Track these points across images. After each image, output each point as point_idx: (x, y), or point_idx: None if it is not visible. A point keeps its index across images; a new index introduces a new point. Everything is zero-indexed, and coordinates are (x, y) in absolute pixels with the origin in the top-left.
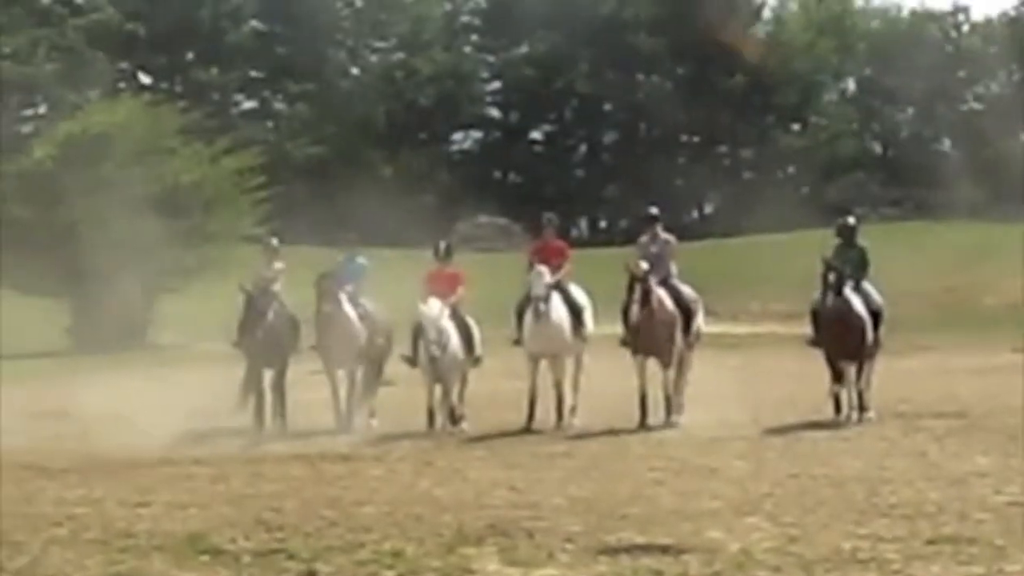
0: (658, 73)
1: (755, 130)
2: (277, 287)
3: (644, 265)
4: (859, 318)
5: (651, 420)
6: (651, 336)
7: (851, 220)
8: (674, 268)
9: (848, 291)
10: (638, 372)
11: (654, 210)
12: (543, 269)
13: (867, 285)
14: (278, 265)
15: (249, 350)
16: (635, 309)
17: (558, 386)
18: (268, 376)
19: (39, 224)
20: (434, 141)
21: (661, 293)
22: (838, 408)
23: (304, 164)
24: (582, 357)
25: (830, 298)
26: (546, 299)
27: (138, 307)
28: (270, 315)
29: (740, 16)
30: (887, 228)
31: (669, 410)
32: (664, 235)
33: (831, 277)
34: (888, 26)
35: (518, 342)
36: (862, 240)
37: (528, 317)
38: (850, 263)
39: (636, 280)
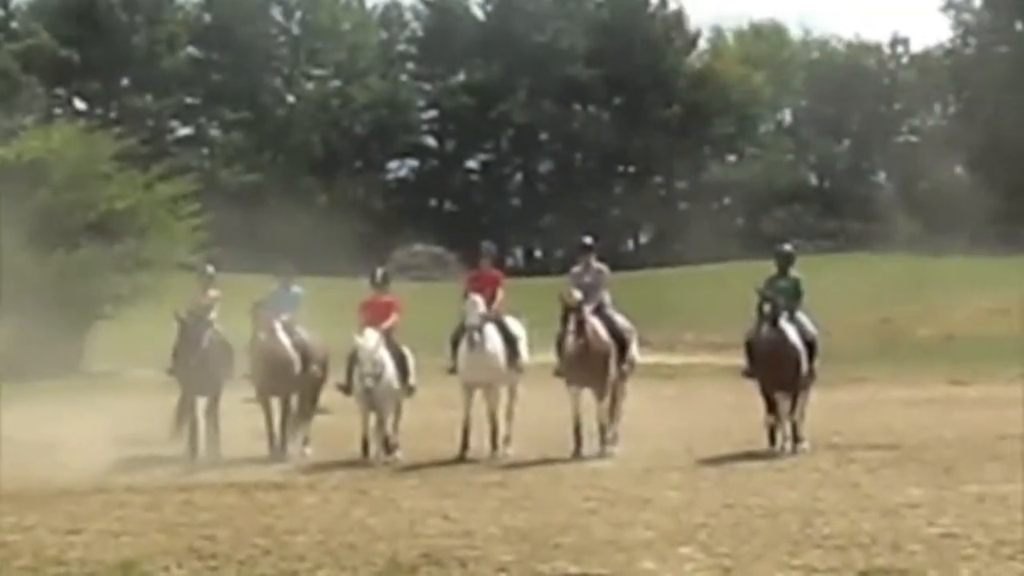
0: (594, 103)
1: (691, 160)
2: (213, 315)
3: (577, 295)
4: (794, 349)
5: (585, 450)
6: (585, 366)
7: (787, 248)
8: (607, 297)
9: (783, 322)
10: (572, 402)
11: (588, 239)
12: (477, 299)
13: (801, 316)
14: (213, 293)
15: (183, 378)
16: (570, 339)
17: (492, 416)
18: (202, 404)
19: None
20: (370, 169)
21: (595, 323)
22: (772, 439)
23: (239, 191)
24: (516, 387)
25: (765, 329)
26: (480, 328)
27: (72, 334)
28: (204, 343)
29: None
30: (823, 259)
31: (603, 440)
32: (597, 264)
33: (766, 308)
34: (825, 57)
35: (453, 371)
36: (796, 271)
37: (463, 346)
38: (784, 293)
39: (570, 310)
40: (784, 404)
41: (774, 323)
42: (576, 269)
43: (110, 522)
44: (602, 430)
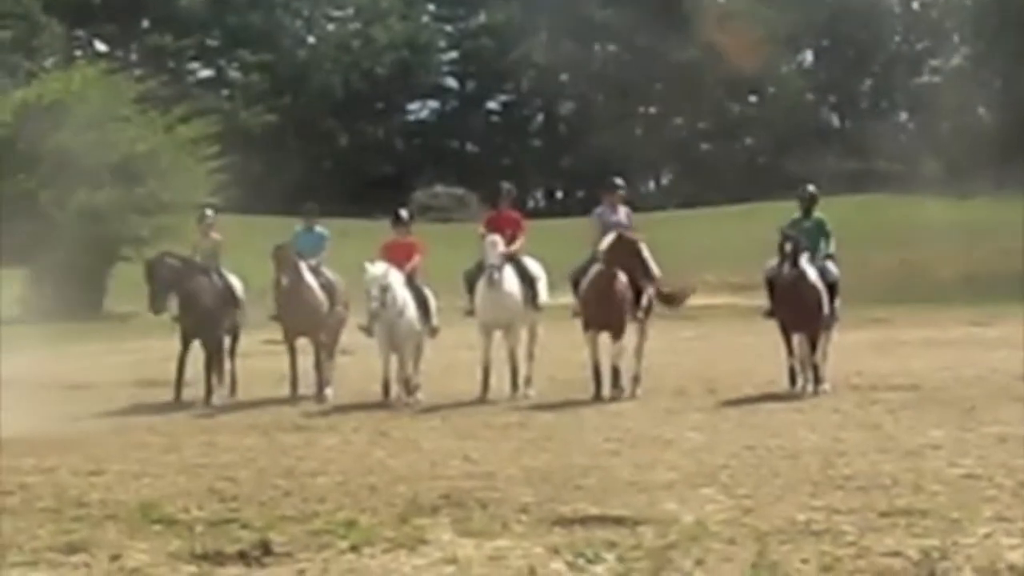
0: (614, 43)
1: (711, 101)
2: (219, 259)
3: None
4: (814, 289)
5: (607, 392)
6: (606, 308)
7: (811, 189)
8: None
9: (804, 262)
10: (591, 344)
11: (619, 180)
12: (496, 238)
13: (825, 256)
14: (215, 236)
15: (180, 322)
16: (585, 282)
17: (512, 356)
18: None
19: None
20: (391, 111)
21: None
22: (793, 380)
23: (260, 134)
24: (536, 328)
25: (786, 268)
26: (499, 268)
27: (93, 276)
28: (200, 286)
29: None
30: (842, 200)
31: (616, 382)
32: (623, 207)
33: (788, 247)
34: None
35: (470, 312)
36: (818, 212)
37: (480, 287)
38: (809, 234)
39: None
40: (805, 345)
41: (795, 263)
42: (600, 209)
43: (130, 463)
44: (615, 372)
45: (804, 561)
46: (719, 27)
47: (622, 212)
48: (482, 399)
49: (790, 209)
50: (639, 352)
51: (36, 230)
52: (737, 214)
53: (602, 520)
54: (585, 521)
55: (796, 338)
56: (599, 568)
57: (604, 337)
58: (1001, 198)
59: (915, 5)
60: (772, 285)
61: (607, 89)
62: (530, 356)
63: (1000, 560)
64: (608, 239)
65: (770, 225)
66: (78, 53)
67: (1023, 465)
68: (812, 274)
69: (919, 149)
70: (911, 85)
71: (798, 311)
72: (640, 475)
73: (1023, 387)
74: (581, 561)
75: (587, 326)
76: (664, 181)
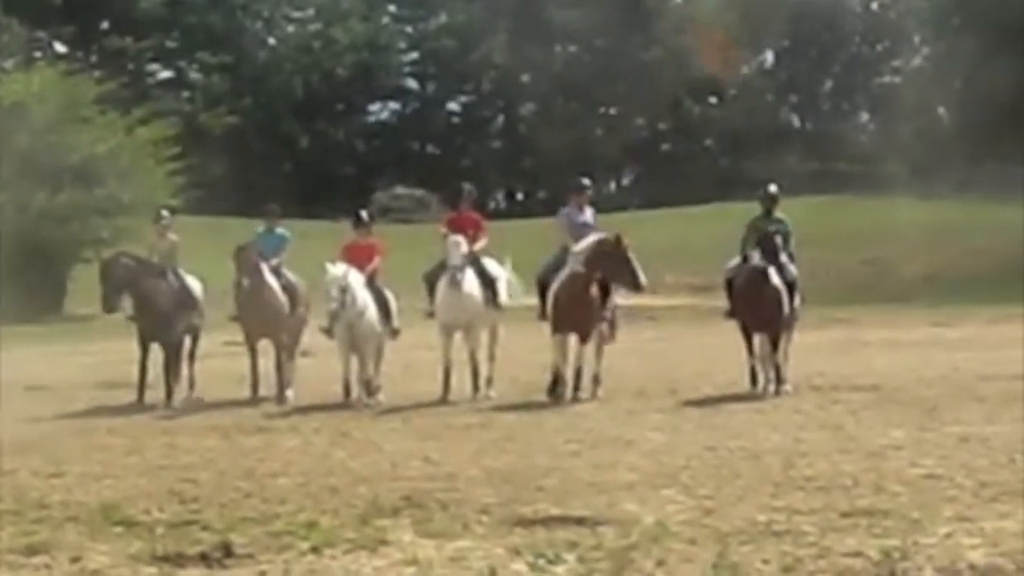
0: (575, 45)
1: (672, 102)
2: (176, 259)
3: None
4: (775, 289)
5: (572, 393)
6: (578, 311)
7: (773, 189)
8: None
9: (782, 259)
10: (560, 346)
11: (586, 180)
12: (459, 239)
13: (784, 257)
14: (172, 237)
15: (137, 323)
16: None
17: (472, 357)
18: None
19: None
20: (351, 112)
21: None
22: (755, 381)
23: (220, 135)
24: (497, 328)
25: (752, 262)
26: (461, 269)
27: (53, 278)
28: (159, 288)
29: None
30: (804, 201)
31: (577, 384)
32: (588, 207)
33: (775, 241)
34: None
35: (431, 314)
36: (779, 212)
37: (441, 288)
38: (779, 236)
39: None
40: (766, 345)
41: (775, 258)
42: (566, 210)
43: (91, 465)
44: (578, 374)
45: (765, 562)
46: (686, 30)
47: (588, 212)
48: (443, 400)
49: (751, 210)
50: (599, 353)
51: None
52: (698, 215)
53: (563, 521)
54: (546, 522)
55: (757, 338)
56: (560, 569)
57: (569, 340)
58: (963, 199)
59: (875, 6)
60: (730, 284)
61: (568, 90)
62: (491, 357)
63: (961, 560)
64: (588, 242)
65: (731, 226)
66: (37, 54)
67: (984, 465)
68: (773, 274)
69: (880, 150)
70: (872, 86)
71: (759, 311)
72: (601, 476)
73: (985, 387)
74: (542, 562)
75: (556, 328)
76: (625, 181)
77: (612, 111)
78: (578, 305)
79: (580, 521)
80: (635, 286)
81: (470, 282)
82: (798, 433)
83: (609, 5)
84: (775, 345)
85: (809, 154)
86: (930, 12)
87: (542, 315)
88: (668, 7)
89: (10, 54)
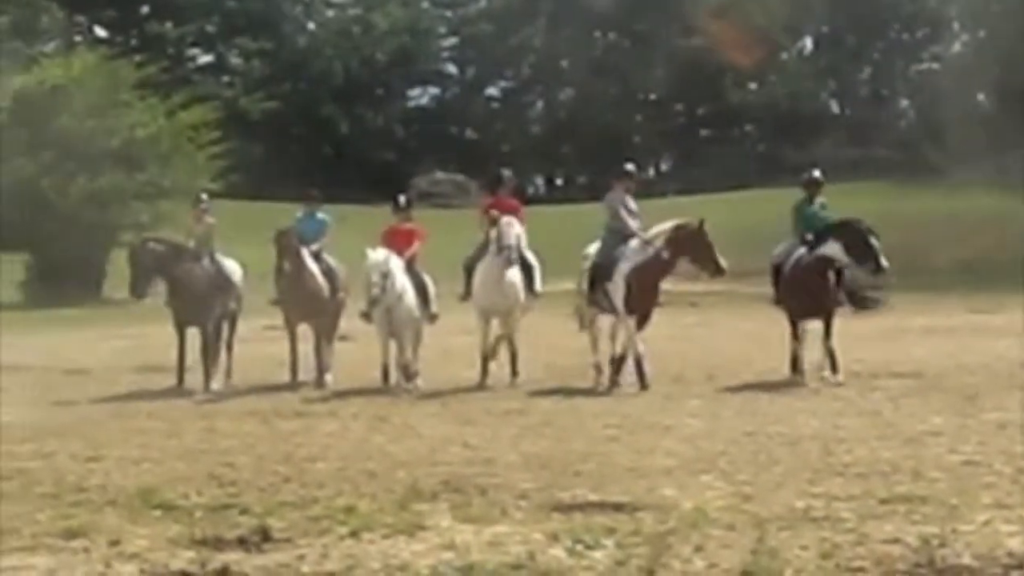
0: (615, 30)
1: (711, 88)
2: (214, 243)
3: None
4: (834, 275)
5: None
6: (651, 297)
7: (817, 174)
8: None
9: (827, 248)
10: (629, 329)
11: (630, 166)
12: (512, 219)
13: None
14: (209, 220)
15: (172, 307)
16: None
17: (511, 343)
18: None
19: None
20: (391, 97)
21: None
22: (795, 367)
23: (260, 120)
24: (524, 315)
25: (805, 253)
26: (515, 249)
27: (93, 262)
28: (194, 272)
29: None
30: (842, 187)
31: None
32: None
33: (857, 228)
34: None
35: (465, 298)
36: (821, 197)
37: (482, 272)
38: (812, 219)
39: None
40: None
41: (812, 248)
42: (612, 195)
43: (130, 449)
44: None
45: (803, 548)
46: (718, 19)
47: (630, 199)
48: (481, 385)
49: (790, 195)
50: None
51: (37, 216)
52: (737, 200)
53: (601, 506)
54: (584, 507)
55: (806, 325)
56: (598, 554)
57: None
58: (1001, 186)
59: None
60: (778, 270)
61: (607, 76)
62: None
63: (999, 547)
64: (664, 226)
65: (770, 212)
66: (78, 39)
67: (1023, 452)
68: (837, 259)
69: (919, 136)
70: (911, 72)
71: (819, 296)
72: (639, 461)
73: None
74: (580, 547)
75: (631, 310)
76: (664, 167)
77: (651, 97)
78: (654, 289)
79: (618, 507)
80: (718, 271)
81: (513, 268)
82: (837, 419)
83: None
84: (828, 330)
85: (848, 140)
86: (970, 2)
87: (592, 301)
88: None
89: (50, 38)
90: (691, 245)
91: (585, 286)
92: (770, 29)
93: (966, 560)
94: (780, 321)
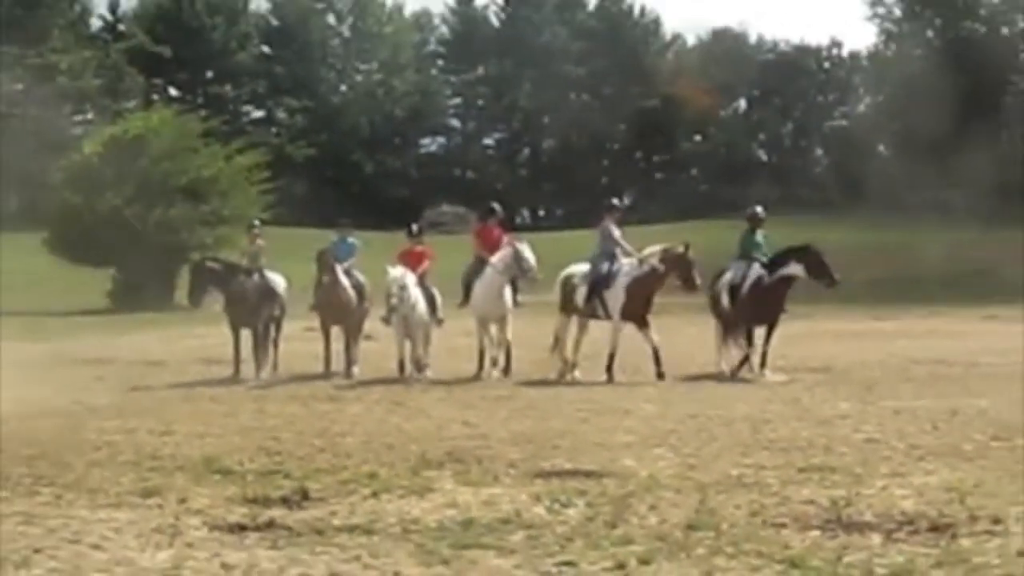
0: (587, 93)
1: (664, 139)
2: (263, 261)
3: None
4: (781, 291)
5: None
6: (648, 305)
7: (759, 210)
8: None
9: (753, 267)
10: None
11: (616, 201)
12: (526, 246)
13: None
14: (260, 242)
15: (228, 313)
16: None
17: (506, 343)
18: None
19: (86, 207)
20: (406, 145)
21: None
22: (742, 365)
23: (301, 163)
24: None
25: (762, 273)
26: (534, 268)
27: (166, 275)
28: (247, 285)
29: (690, 79)
30: (769, 220)
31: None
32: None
33: (815, 252)
34: (776, 56)
35: (462, 305)
36: (761, 230)
37: (479, 287)
38: (757, 246)
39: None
40: (764, 336)
41: (773, 270)
42: (605, 224)
43: (195, 425)
44: (656, 353)
45: (736, 507)
46: (671, 84)
47: (615, 228)
48: (477, 377)
49: (726, 226)
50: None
51: (122, 238)
52: (684, 230)
53: (574, 473)
54: (560, 474)
55: (755, 331)
56: (571, 511)
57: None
58: (897, 220)
59: (827, 64)
60: (735, 290)
61: (580, 129)
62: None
63: (894, 507)
64: (654, 248)
65: (711, 239)
66: (155, 97)
67: (913, 431)
68: (799, 273)
69: (830, 180)
70: (824, 128)
71: (771, 308)
72: (605, 437)
73: (914, 370)
74: (557, 506)
75: (628, 316)
76: (625, 203)
77: (616, 146)
78: (649, 298)
79: (588, 474)
80: (694, 287)
81: (507, 283)
82: (764, 405)
83: (613, 60)
84: (772, 334)
85: (773, 182)
86: (872, 70)
87: (593, 312)
88: (661, 62)
89: (133, 97)
90: (678, 264)
91: (578, 299)
92: (711, 92)
93: (868, 518)
94: (716, 327)
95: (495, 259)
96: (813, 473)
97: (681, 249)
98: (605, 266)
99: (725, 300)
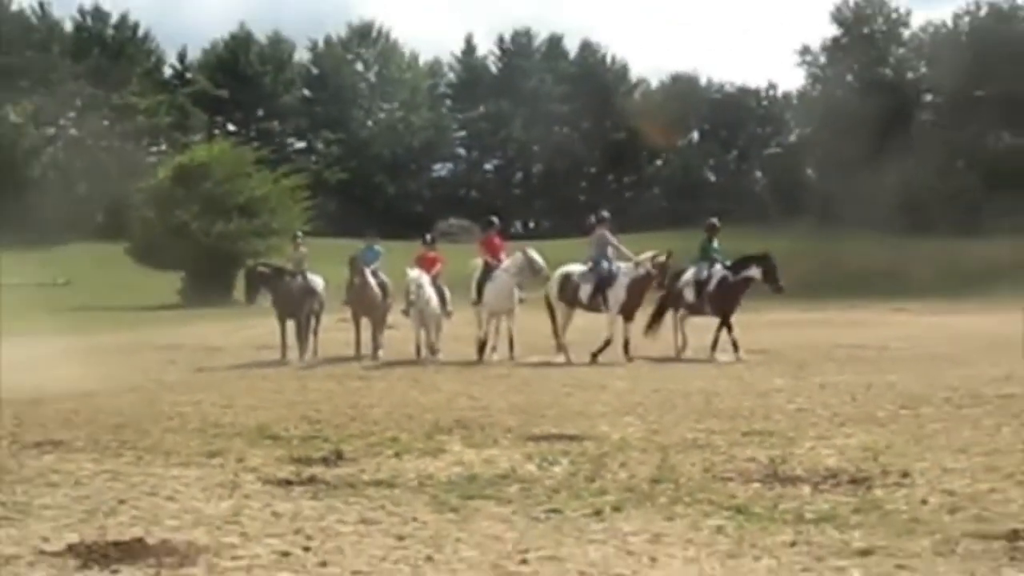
0: (568, 127)
1: (632, 164)
2: (305, 265)
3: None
4: (738, 286)
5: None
6: (640, 301)
7: (715, 221)
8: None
9: (715, 267)
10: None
11: (606, 213)
12: (535, 252)
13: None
14: (302, 250)
15: (276, 307)
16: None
17: (511, 332)
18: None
19: (160, 222)
20: (421, 170)
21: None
22: (714, 347)
23: (335, 185)
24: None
25: (724, 272)
26: (544, 268)
27: (225, 277)
28: (292, 284)
29: (653, 114)
30: (721, 231)
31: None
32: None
33: (770, 260)
34: (723, 96)
35: (476, 303)
36: (717, 237)
37: (491, 286)
38: (713, 251)
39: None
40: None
41: (736, 271)
42: (598, 233)
43: (250, 399)
44: (627, 342)
45: (692, 465)
46: (638, 118)
47: (611, 236)
48: (479, 360)
49: (684, 236)
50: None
51: (189, 247)
52: (647, 239)
53: (559, 437)
54: (548, 438)
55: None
56: (557, 468)
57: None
58: (824, 231)
59: (764, 102)
60: (702, 285)
61: (563, 156)
62: (499, 332)
63: (820, 464)
64: (646, 255)
65: (672, 247)
66: (216, 132)
67: (835, 403)
68: (757, 276)
69: (768, 198)
70: (763, 155)
71: (731, 302)
72: (585, 408)
73: (836, 352)
74: (545, 464)
75: (626, 316)
76: (601, 216)
77: (592, 170)
78: (641, 296)
79: (571, 438)
80: (662, 286)
81: (516, 283)
82: (714, 381)
83: (589, 100)
84: (728, 324)
85: (721, 200)
86: (801, 107)
87: (596, 306)
88: (629, 102)
89: (197, 132)
90: (663, 268)
91: (582, 294)
92: (671, 125)
93: (799, 472)
94: (674, 317)
95: (506, 263)
96: (754, 436)
97: (663, 257)
98: (606, 267)
99: (690, 294)
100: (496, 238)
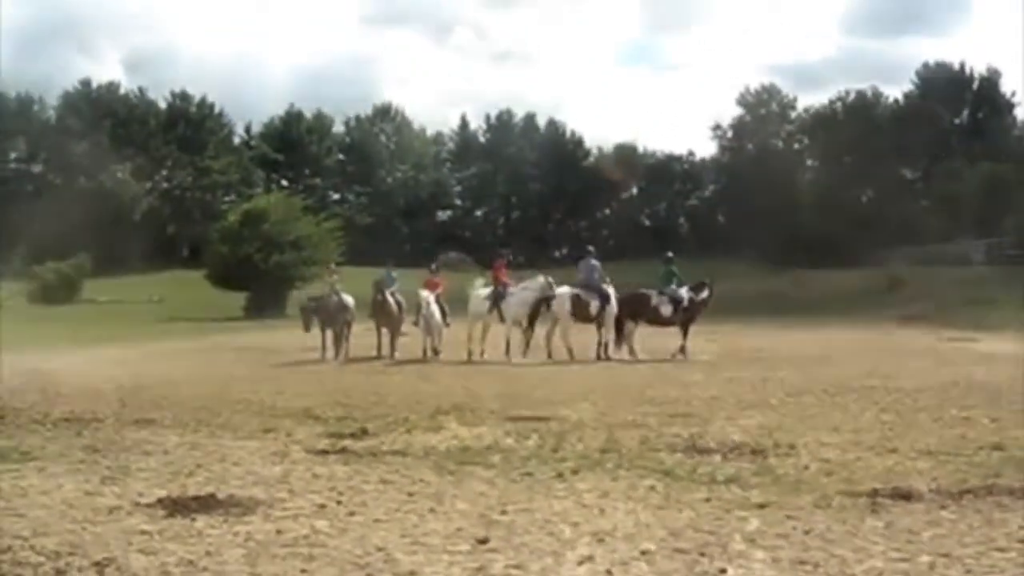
0: (538, 183)
1: (592, 208)
2: (338, 287)
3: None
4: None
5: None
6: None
7: (670, 254)
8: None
9: (683, 290)
10: (613, 329)
11: (590, 247)
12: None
13: (676, 287)
14: (336, 276)
15: (320, 319)
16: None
17: (527, 337)
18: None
19: (231, 255)
20: (428, 216)
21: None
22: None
23: (363, 227)
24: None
25: (695, 293)
26: (551, 288)
27: (280, 296)
28: (330, 302)
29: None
30: (651, 264)
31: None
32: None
33: (711, 285)
34: (655, 160)
35: (491, 311)
36: (673, 265)
37: (511, 301)
38: (673, 277)
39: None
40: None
41: (697, 292)
42: (586, 262)
43: (297, 387)
44: (605, 347)
45: (632, 439)
46: (607, 167)
47: (597, 264)
48: (469, 360)
49: (647, 265)
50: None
51: (252, 273)
52: (614, 267)
53: (531, 418)
54: (524, 419)
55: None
56: (529, 442)
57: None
58: (729, 263)
59: (686, 165)
60: (677, 303)
61: (537, 205)
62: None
63: (728, 438)
64: (627, 294)
65: (635, 274)
66: (272, 186)
67: (740, 392)
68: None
69: (692, 239)
70: (686, 205)
71: (695, 316)
72: (551, 395)
73: (740, 354)
74: (520, 438)
75: (619, 326)
76: (564, 251)
77: (558, 215)
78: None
79: (540, 418)
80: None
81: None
82: (648, 376)
83: (554, 162)
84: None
85: (653, 240)
86: (714, 169)
87: (600, 320)
88: (585, 163)
89: (258, 186)
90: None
91: (591, 310)
92: (624, 177)
93: (711, 445)
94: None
95: (526, 283)
96: (678, 417)
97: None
98: (604, 289)
99: (667, 310)
100: (503, 264)
